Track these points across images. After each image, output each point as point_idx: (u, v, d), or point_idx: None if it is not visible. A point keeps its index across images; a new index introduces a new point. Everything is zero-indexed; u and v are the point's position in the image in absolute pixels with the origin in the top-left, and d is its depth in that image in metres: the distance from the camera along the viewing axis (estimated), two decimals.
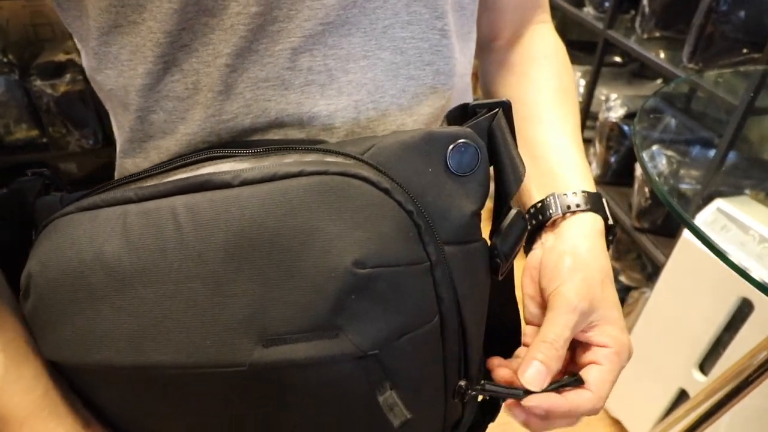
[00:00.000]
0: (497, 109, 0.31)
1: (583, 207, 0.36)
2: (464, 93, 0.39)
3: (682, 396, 1.11)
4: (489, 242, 0.32)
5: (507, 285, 0.36)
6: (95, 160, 1.72)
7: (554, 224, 0.37)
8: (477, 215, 0.30)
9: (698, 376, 1.05)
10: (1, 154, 1.46)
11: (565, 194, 0.37)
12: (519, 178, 0.31)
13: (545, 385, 0.31)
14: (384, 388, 0.27)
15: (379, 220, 0.25)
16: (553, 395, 0.31)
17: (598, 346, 0.33)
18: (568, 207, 0.36)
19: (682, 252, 1.04)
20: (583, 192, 0.36)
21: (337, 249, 0.25)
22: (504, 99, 0.32)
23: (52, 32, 1.53)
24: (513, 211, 0.32)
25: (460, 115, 0.32)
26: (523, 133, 0.41)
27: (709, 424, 0.80)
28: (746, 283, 0.91)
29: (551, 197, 0.37)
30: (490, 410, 0.39)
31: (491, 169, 0.32)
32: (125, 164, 0.36)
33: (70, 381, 0.32)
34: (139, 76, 0.31)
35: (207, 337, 0.26)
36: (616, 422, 1.32)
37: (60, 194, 0.33)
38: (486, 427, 0.39)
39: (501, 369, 0.34)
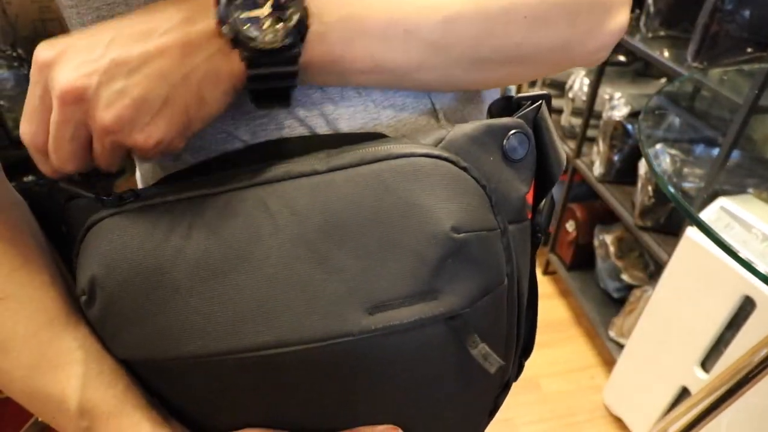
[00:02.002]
0: (541, 101, 0.33)
1: None
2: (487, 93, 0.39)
3: (684, 394, 1.11)
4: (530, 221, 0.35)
5: (533, 258, 0.39)
6: None
7: None
8: (525, 197, 0.33)
9: (700, 373, 1.05)
10: (9, 149, 1.47)
11: None
12: (561, 164, 0.34)
13: None
14: (475, 341, 0.29)
15: (464, 194, 0.28)
16: None
17: None
18: None
19: (685, 250, 1.04)
20: None
21: (435, 218, 0.27)
22: (545, 92, 0.33)
23: (61, 28, 1.54)
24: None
25: (504, 107, 0.34)
26: None
27: (709, 421, 0.80)
28: (749, 280, 0.92)
29: None
30: (515, 373, 0.41)
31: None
32: (144, 166, 0.36)
33: (142, 379, 0.32)
34: None
35: (312, 312, 0.27)
36: (618, 420, 1.32)
37: (94, 195, 0.32)
38: (510, 388, 0.41)
39: None
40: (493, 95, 0.41)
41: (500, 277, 0.30)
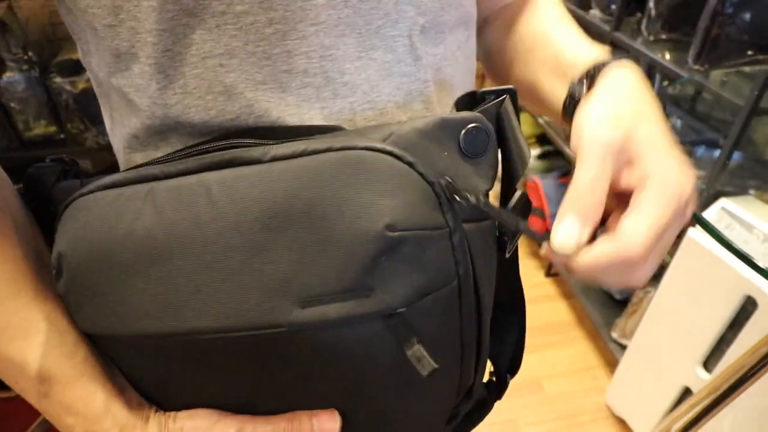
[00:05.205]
0: (504, 96, 0.32)
1: (603, 68, 0.35)
2: (460, 88, 0.39)
3: (686, 394, 1.11)
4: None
5: (513, 265, 0.38)
6: (108, 157, 1.75)
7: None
8: (487, 195, 0.31)
9: (702, 374, 1.06)
10: (19, 150, 1.49)
11: (582, 75, 0.36)
12: (525, 161, 0.33)
13: (581, 241, 0.30)
14: (411, 342, 0.28)
15: (405, 189, 0.27)
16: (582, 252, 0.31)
17: (634, 185, 0.31)
18: (588, 80, 0.35)
19: (687, 251, 1.05)
20: (598, 60, 0.36)
21: (369, 215, 0.26)
22: (510, 86, 0.33)
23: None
24: (518, 193, 0.33)
25: (469, 101, 0.33)
26: (532, 44, 0.42)
27: (710, 418, 0.81)
28: (750, 280, 0.93)
29: (572, 86, 0.36)
30: (496, 389, 0.40)
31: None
32: (134, 158, 0.36)
33: (104, 351, 0.33)
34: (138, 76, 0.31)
35: (246, 302, 0.27)
36: (620, 421, 1.33)
37: (80, 180, 0.34)
38: (492, 406, 0.40)
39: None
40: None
41: (446, 278, 0.29)
